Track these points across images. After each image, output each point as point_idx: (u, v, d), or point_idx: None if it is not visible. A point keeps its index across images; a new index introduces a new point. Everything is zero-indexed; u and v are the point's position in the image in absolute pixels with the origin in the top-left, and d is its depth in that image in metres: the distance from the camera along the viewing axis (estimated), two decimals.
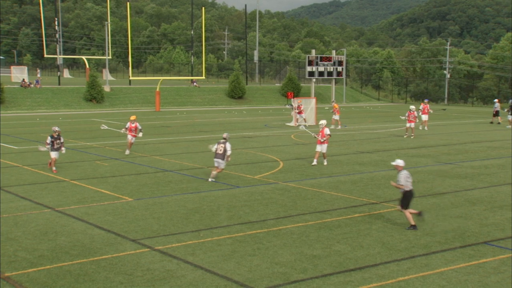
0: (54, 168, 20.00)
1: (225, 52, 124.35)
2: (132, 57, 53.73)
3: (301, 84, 67.65)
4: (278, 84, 73.84)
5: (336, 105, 37.80)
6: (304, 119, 39.23)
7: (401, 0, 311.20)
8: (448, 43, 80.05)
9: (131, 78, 61.16)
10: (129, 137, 24.52)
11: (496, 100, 44.08)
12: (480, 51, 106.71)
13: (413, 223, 12.98)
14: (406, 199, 13.09)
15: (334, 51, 69.45)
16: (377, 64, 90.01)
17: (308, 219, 13.87)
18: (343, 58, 66.55)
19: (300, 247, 11.57)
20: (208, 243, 11.88)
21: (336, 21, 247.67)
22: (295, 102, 39.78)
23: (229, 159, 18.69)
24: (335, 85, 65.96)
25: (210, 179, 18.46)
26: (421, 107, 37.49)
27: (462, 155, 24.92)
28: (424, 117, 36.61)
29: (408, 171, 13.39)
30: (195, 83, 67.71)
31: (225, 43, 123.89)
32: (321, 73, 61.84)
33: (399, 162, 13.36)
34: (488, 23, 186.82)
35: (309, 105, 40.59)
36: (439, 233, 12.59)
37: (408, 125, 31.67)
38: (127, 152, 24.54)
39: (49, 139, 20.10)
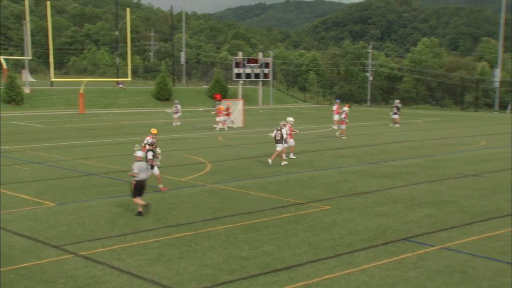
0: None
1: (151, 54, 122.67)
2: (53, 57, 51.86)
3: (229, 86, 67.79)
4: (206, 86, 73.67)
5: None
6: (232, 121, 39.35)
7: (325, 4, 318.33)
8: (370, 47, 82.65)
9: (53, 79, 59.08)
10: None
11: (397, 100, 45.68)
12: (400, 55, 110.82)
13: (140, 209, 14.31)
14: (137, 188, 14.35)
15: (260, 53, 70.06)
16: (303, 66, 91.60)
17: (235, 220, 13.92)
18: (270, 60, 67.30)
19: (227, 249, 11.61)
20: (134, 247, 11.68)
21: (262, 23, 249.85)
22: (222, 104, 39.81)
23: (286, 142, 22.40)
24: (262, 87, 66.57)
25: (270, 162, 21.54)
26: (334, 107, 38.91)
27: (384, 155, 25.78)
28: (336, 117, 37.98)
29: (146, 164, 14.99)
30: (121, 85, 66.39)
31: (151, 45, 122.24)
32: (248, 75, 62.26)
33: (138, 153, 14.69)
34: (406, 28, 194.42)
35: (237, 107, 40.75)
36: (362, 232, 12.98)
37: (342, 126, 32.86)
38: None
39: None
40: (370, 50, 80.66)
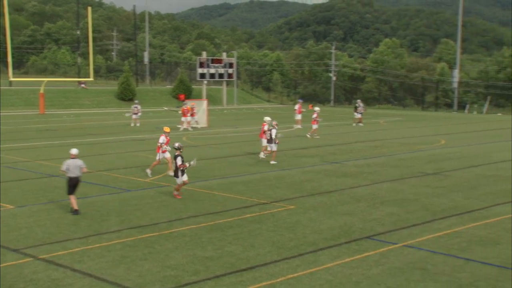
0: None
1: (114, 53, 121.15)
2: (12, 57, 50.69)
3: (193, 86, 67.49)
4: (170, 86, 73.19)
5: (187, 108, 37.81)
6: (196, 121, 39.19)
7: (288, 5, 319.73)
8: (333, 47, 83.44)
9: (11, 79, 57.78)
10: (162, 155, 19.67)
11: (358, 100, 46.61)
12: (362, 55, 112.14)
13: (76, 207, 14.32)
14: (69, 185, 14.45)
15: (225, 54, 69.98)
16: (267, 66, 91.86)
17: (200, 221, 13.87)
18: (234, 60, 67.28)
19: (192, 249, 11.55)
20: (96, 249, 11.52)
21: (226, 23, 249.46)
22: (187, 104, 39.63)
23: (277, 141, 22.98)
24: (226, 87, 66.49)
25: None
26: (296, 107, 39.42)
27: (347, 154, 26.07)
28: (299, 117, 38.38)
29: (80, 161, 14.60)
30: (83, 85, 65.37)
31: (113, 44, 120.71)
32: (212, 75, 62.10)
33: (73, 151, 14.70)
34: (369, 28, 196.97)
35: (201, 107, 40.60)
36: (326, 231, 13.09)
37: (314, 126, 33.01)
38: (149, 172, 19.90)
39: None
40: (333, 51, 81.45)
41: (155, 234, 12.63)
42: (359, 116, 42.20)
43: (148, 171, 19.94)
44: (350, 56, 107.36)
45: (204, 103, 41.68)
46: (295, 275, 10.09)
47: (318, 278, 9.93)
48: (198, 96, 61.60)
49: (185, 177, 16.27)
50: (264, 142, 23.89)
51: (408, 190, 17.73)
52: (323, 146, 28.84)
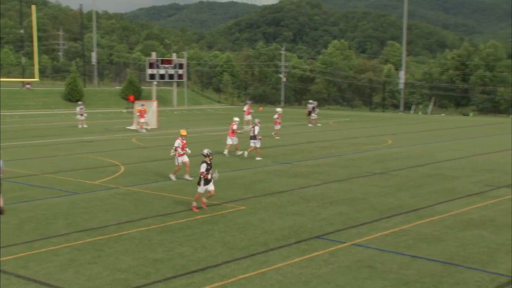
0: None
1: (60, 53, 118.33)
2: None
3: (142, 87, 66.69)
4: (118, 87, 72.06)
5: (143, 109, 37.63)
6: (146, 122, 38.76)
7: (238, 6, 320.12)
8: (283, 48, 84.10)
9: None
10: (180, 159, 19.25)
11: (311, 101, 47.89)
12: (312, 57, 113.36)
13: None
14: None
15: (175, 54, 69.50)
16: (217, 67, 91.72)
17: (150, 223, 13.74)
18: (184, 61, 66.92)
19: (142, 252, 11.44)
20: (43, 253, 11.25)
21: (176, 24, 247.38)
22: (137, 105, 39.16)
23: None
24: (176, 88, 66.01)
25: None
26: (245, 108, 39.84)
27: (298, 155, 26.34)
28: (248, 117, 38.76)
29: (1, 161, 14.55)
30: (28, 86, 63.58)
31: (60, 44, 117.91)
32: (162, 76, 61.59)
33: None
34: (317, 30, 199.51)
35: (151, 108, 40.19)
36: (276, 231, 13.19)
37: (276, 127, 33.36)
38: (173, 177, 19.52)
39: None
40: (283, 52, 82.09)
41: (104, 237, 12.44)
42: (315, 116, 43.23)
43: (172, 176, 19.52)
44: (300, 57, 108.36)
45: (154, 104, 41.27)
46: (246, 275, 10.14)
47: (269, 279, 10.01)
48: (148, 97, 60.92)
49: (211, 186, 15.13)
50: (230, 140, 25.67)
51: (357, 190, 18.07)
52: (275, 147, 29.02)
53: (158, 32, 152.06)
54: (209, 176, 14.99)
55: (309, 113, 44.10)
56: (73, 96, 60.39)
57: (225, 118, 49.93)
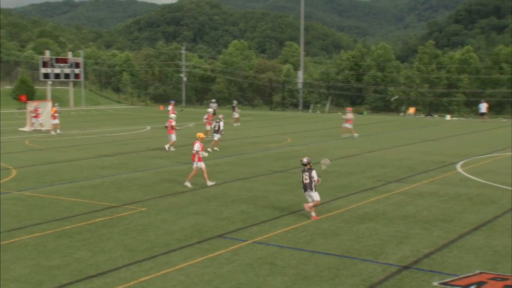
0: None
1: None
2: None
3: (36, 87, 63.75)
4: (9, 87, 68.42)
5: (54, 109, 36.61)
6: (41, 123, 37.16)
7: (137, 4, 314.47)
8: (183, 48, 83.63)
9: None
10: (200, 164, 18.35)
11: (213, 100, 49.37)
12: (212, 56, 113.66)
13: None
14: None
15: (70, 53, 67.12)
16: (116, 66, 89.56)
17: (45, 228, 13.18)
18: (81, 60, 64.77)
19: (36, 259, 10.94)
20: None
21: (71, 21, 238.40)
22: (31, 105, 37.48)
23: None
24: (73, 87, 63.74)
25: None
26: (169, 108, 39.96)
27: None
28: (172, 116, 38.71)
29: None
30: None
31: None
32: (57, 75, 59.36)
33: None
34: (218, 30, 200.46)
35: (45, 109, 38.53)
36: (178, 231, 13.12)
37: (207, 127, 32.84)
38: (189, 184, 18.40)
39: None
40: (183, 51, 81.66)
41: None
42: (237, 115, 43.80)
43: (187, 183, 18.42)
44: (200, 57, 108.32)
45: (48, 105, 39.61)
46: (148, 277, 10.00)
47: (171, 279, 9.94)
48: (42, 98, 58.33)
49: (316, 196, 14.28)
50: (172, 137, 27.26)
51: (258, 188, 18.35)
52: (175, 147, 28.79)
53: (52, 29, 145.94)
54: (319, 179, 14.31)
55: (213, 112, 44.38)
56: None
57: (124, 119, 48.86)
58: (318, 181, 14.35)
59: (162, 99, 77.16)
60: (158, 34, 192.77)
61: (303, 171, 14.47)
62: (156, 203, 15.97)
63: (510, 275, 10.21)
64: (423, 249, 11.76)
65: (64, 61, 60.93)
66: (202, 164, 18.43)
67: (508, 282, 9.84)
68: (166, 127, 27.90)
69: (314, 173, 14.30)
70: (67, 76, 60.42)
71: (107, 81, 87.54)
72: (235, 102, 47.18)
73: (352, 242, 12.27)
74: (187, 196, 17.07)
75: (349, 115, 34.52)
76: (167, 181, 19.47)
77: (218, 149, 27.33)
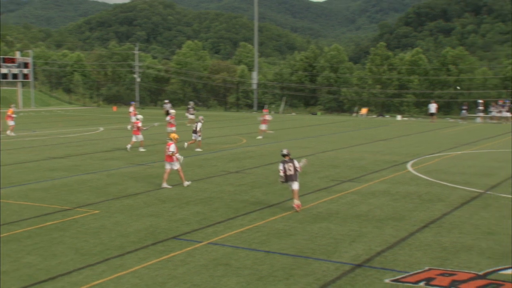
0: None
1: None
2: None
3: None
4: None
5: (10, 111, 35.98)
6: None
7: (88, 3, 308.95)
8: (137, 48, 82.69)
9: None
10: (171, 165, 18.42)
11: (166, 100, 49.31)
12: (166, 57, 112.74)
13: None
14: None
15: (18, 52, 65.39)
16: (67, 67, 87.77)
17: None
18: (29, 60, 63.21)
19: None
20: None
21: (19, 20, 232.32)
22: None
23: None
24: (22, 88, 62.13)
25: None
26: (131, 109, 39.77)
27: (153, 156, 26.08)
28: (133, 119, 38.10)
29: None
30: None
31: None
32: (4, 76, 57.77)
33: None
34: (171, 30, 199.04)
35: None
36: (133, 233, 12.97)
37: (169, 129, 32.21)
38: (167, 185, 18.37)
39: None
40: (136, 52, 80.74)
41: None
42: (192, 116, 43.46)
43: (165, 184, 18.28)
44: (154, 57, 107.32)
45: None
46: (101, 281, 9.85)
47: (125, 282, 9.82)
48: None
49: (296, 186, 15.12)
50: (140, 137, 27.34)
51: (212, 189, 18.32)
52: (135, 147, 28.45)
53: None
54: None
55: (167, 113, 44.01)
56: None
57: (76, 120, 47.93)
58: (300, 168, 15.08)
59: (115, 100, 76.15)
60: (110, 34, 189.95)
61: (284, 162, 14.91)
62: (109, 205, 15.75)
63: (457, 270, 10.54)
64: (375, 247, 12.00)
65: (12, 61, 59.36)
66: (177, 165, 18.39)
67: (455, 277, 10.16)
68: (133, 128, 28.08)
69: (296, 163, 14.88)
70: (15, 76, 58.87)
71: (58, 81, 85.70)
72: (191, 103, 46.75)
73: (306, 242, 12.41)
74: (141, 198, 16.90)
75: (267, 117, 35.56)
76: (121, 183, 19.22)
77: (200, 150, 27.86)
